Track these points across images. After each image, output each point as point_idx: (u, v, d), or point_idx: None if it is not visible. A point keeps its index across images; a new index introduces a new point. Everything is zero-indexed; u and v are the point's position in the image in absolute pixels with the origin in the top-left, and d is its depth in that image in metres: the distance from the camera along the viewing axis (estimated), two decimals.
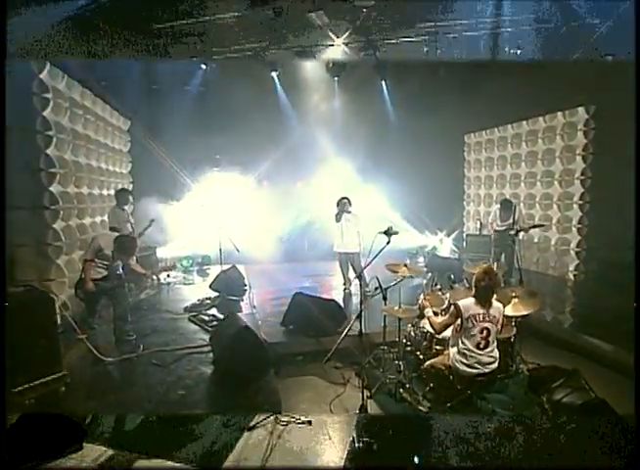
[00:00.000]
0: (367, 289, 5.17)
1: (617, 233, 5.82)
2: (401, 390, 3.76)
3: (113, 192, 7.37)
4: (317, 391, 4.00)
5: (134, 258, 4.74)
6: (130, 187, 8.57)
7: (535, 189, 8.15)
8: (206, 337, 4.69)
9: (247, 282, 7.12)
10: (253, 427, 3.20)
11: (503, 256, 6.78)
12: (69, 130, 5.52)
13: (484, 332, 3.19)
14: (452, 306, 3.34)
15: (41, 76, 4.81)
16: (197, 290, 7.13)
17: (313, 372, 4.30)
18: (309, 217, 10.14)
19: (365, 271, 4.67)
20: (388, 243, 3.92)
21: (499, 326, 3.29)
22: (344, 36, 7.51)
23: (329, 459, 2.91)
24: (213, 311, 5.76)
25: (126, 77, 7.63)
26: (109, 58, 5.68)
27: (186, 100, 8.90)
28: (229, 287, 6.58)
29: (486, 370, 3.24)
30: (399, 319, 3.77)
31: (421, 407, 3.59)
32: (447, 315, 3.39)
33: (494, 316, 3.25)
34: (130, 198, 6.67)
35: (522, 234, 6.40)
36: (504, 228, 6.76)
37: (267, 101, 8.69)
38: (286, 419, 3.27)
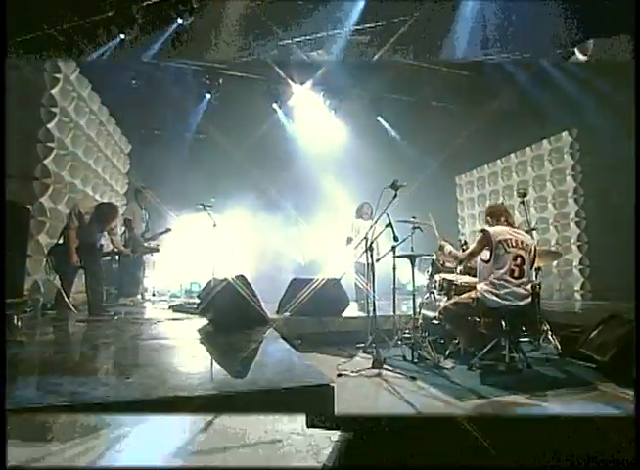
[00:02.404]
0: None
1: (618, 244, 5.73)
2: (419, 350, 3.29)
3: (106, 199, 7.22)
4: (317, 361, 3.46)
5: (118, 232, 4.58)
6: (123, 209, 8.45)
7: (530, 215, 8.20)
8: None
9: None
10: None
11: None
12: (74, 120, 5.54)
13: (518, 259, 2.91)
14: (481, 234, 3.09)
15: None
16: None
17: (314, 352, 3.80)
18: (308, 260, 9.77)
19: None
20: (395, 197, 3.75)
21: (533, 256, 3.01)
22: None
23: None
24: None
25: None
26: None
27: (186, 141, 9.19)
28: None
29: (521, 303, 2.87)
30: (412, 261, 3.42)
31: (443, 365, 3.11)
32: (474, 243, 3.11)
33: (527, 244, 3.00)
34: (149, 198, 6.54)
35: None
36: None
37: (268, 132, 8.98)
38: None
